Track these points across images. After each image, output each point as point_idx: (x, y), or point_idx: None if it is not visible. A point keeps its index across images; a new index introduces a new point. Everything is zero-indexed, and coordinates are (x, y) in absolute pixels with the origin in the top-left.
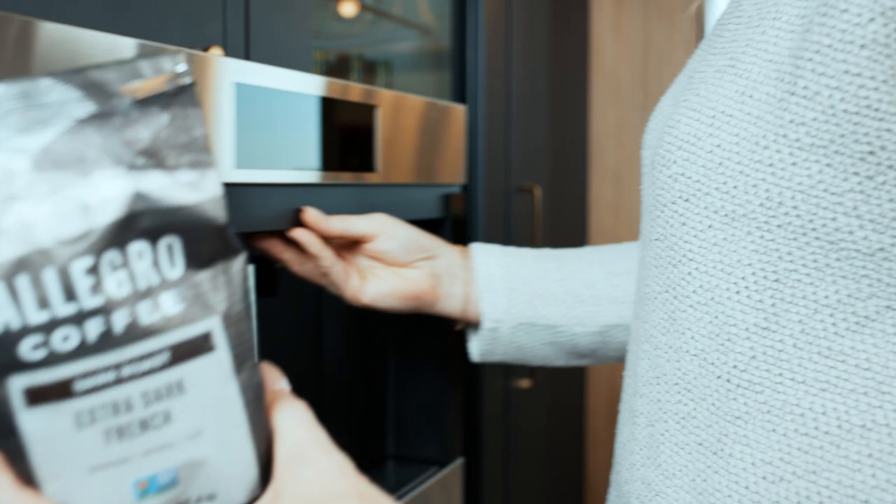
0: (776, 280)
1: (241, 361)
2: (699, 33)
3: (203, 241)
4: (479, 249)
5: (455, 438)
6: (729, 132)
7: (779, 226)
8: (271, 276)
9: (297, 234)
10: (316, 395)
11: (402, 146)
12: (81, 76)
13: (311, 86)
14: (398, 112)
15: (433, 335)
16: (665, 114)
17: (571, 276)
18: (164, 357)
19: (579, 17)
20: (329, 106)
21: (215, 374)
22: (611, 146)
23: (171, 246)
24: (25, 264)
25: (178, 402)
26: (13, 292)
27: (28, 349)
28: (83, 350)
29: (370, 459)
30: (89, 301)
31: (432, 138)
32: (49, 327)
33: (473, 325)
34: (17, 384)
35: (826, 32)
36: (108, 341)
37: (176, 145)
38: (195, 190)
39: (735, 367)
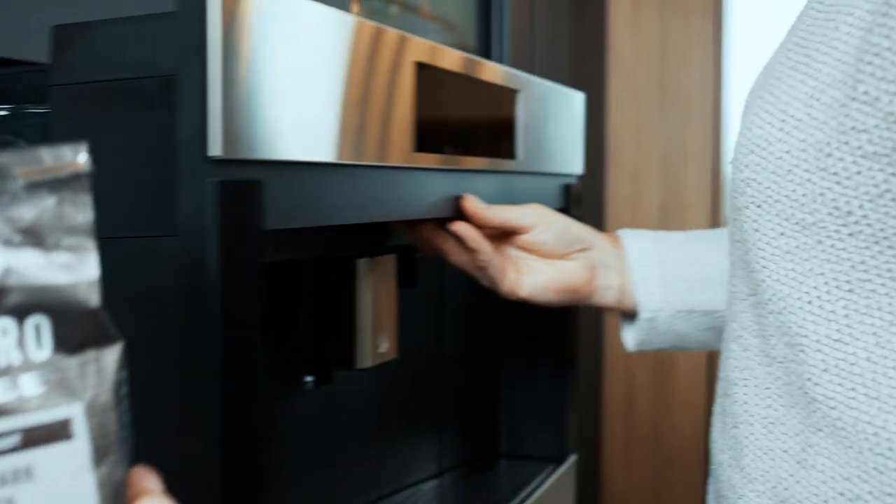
0: (849, 290)
1: (101, 454)
2: (716, 31)
3: (74, 325)
4: (629, 237)
5: (569, 435)
6: (797, 138)
7: (850, 234)
8: (411, 266)
9: (459, 227)
10: (436, 391)
11: (534, 133)
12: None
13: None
14: (532, 97)
15: (546, 330)
16: (747, 105)
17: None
18: (14, 439)
19: (597, 16)
20: (478, 89)
21: (70, 465)
22: (628, 144)
23: (40, 326)
24: None
25: (24, 489)
26: None
27: None
28: None
29: (484, 459)
30: None
31: (555, 125)
32: None
33: (629, 315)
34: None
35: (886, 34)
36: None
37: (58, 227)
38: (70, 272)
39: (809, 379)
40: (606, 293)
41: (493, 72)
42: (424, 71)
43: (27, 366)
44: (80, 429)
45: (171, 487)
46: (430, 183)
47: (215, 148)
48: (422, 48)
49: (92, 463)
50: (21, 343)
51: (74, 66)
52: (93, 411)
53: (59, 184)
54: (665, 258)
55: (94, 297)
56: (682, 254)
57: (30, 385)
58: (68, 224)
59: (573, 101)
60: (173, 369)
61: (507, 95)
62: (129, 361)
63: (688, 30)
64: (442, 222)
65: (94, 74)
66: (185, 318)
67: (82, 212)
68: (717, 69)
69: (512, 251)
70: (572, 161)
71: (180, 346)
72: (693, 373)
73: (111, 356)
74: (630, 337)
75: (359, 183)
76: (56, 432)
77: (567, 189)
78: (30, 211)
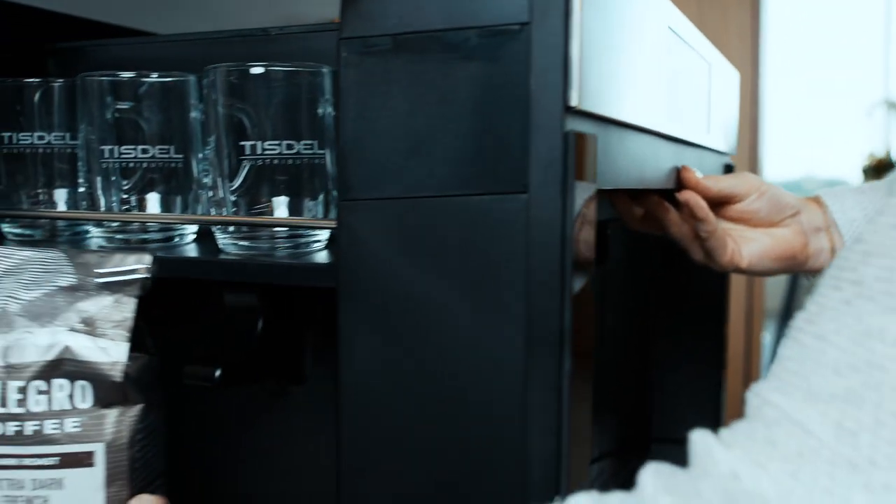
0: None
1: (112, 479)
2: (754, 23)
3: (106, 390)
4: (830, 197)
5: (720, 419)
6: None
7: None
8: (602, 243)
9: (688, 196)
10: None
11: (714, 108)
12: (79, 255)
13: None
14: (715, 72)
15: (696, 311)
16: None
17: None
18: (54, 459)
19: None
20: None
21: (89, 484)
22: None
23: (84, 387)
24: None
25: (56, 493)
26: None
27: None
28: (2, 440)
29: (636, 444)
30: (15, 409)
31: (721, 101)
32: None
33: None
34: None
35: None
36: (20, 439)
37: (106, 321)
38: (106, 354)
39: None
40: (821, 256)
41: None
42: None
43: (72, 413)
44: (100, 460)
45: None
46: (664, 153)
47: (574, 98)
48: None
49: (104, 484)
50: (71, 397)
51: (372, 18)
52: (110, 449)
53: (118, 285)
54: (869, 211)
55: (119, 374)
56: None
57: (71, 425)
58: (113, 320)
59: (733, 79)
60: (515, 328)
61: (704, 67)
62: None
63: (726, 21)
64: (661, 194)
65: (398, 27)
66: (534, 278)
67: (126, 312)
68: (755, 60)
69: (723, 223)
70: (730, 139)
71: (522, 308)
72: None
73: (131, 413)
74: None
75: (644, 148)
76: (83, 460)
77: (728, 168)
78: (93, 306)
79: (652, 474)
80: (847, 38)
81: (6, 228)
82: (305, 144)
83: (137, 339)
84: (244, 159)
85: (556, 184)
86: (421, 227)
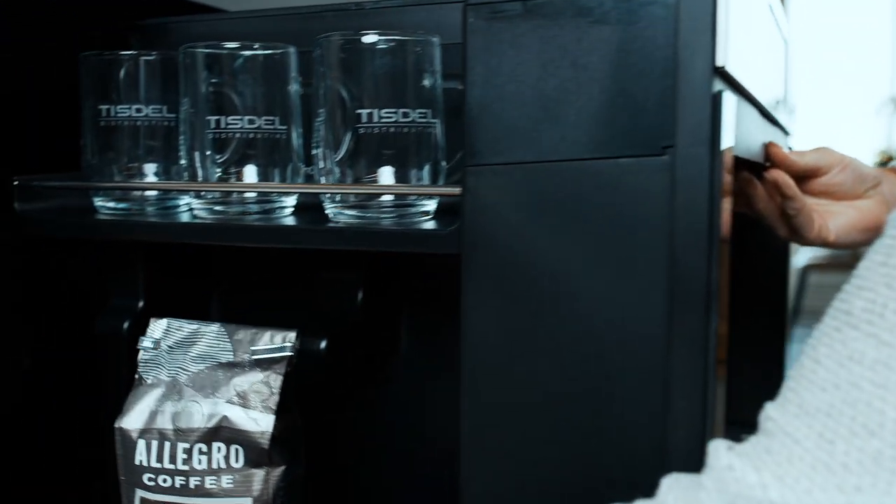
0: None
1: None
2: None
3: (255, 454)
4: None
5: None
6: None
7: None
8: None
9: (777, 175)
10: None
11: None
12: (235, 332)
13: None
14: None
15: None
16: None
17: None
18: None
19: None
20: None
21: None
22: None
23: (238, 450)
24: (153, 434)
25: None
26: (147, 446)
27: (145, 478)
28: (171, 490)
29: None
30: (181, 466)
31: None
32: (157, 471)
33: None
34: (139, 494)
35: None
36: (184, 491)
37: (256, 395)
38: (256, 424)
39: None
40: None
41: None
42: None
43: (228, 471)
44: None
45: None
46: (759, 126)
47: (720, 59)
48: None
49: None
50: (227, 458)
51: None
52: (257, 503)
53: (268, 363)
54: None
55: (266, 442)
56: None
57: (226, 482)
58: (263, 396)
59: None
60: (656, 290)
61: (782, 46)
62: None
63: None
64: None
65: None
66: (679, 240)
67: (273, 388)
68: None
69: (807, 198)
70: (791, 119)
71: (663, 270)
72: None
73: (275, 473)
74: None
75: (749, 118)
76: None
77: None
78: (246, 381)
79: (669, 480)
80: (856, 37)
81: (98, 203)
82: (420, 113)
83: (285, 405)
84: (355, 128)
85: (703, 145)
86: (552, 192)
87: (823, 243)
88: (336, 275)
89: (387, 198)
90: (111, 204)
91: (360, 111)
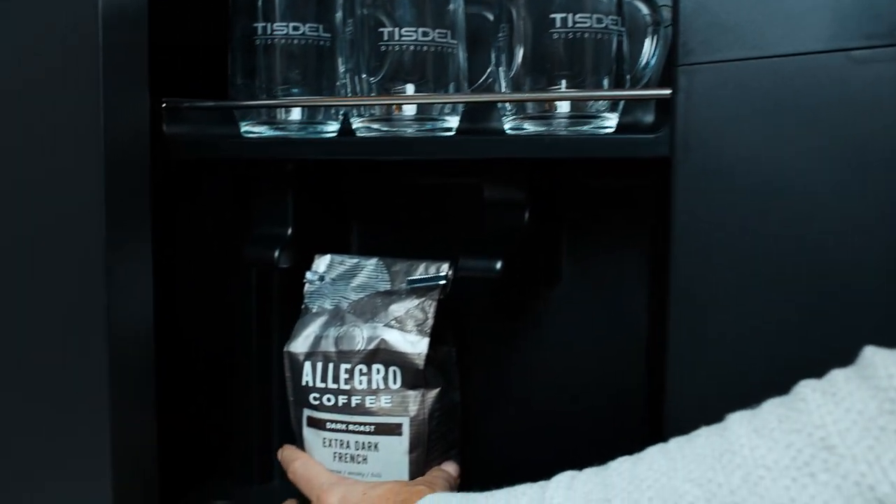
0: None
1: (414, 447)
2: None
3: (412, 375)
4: None
5: None
6: None
7: None
8: None
9: None
10: None
11: None
12: (393, 264)
13: None
14: None
15: None
16: None
17: None
18: (371, 427)
19: None
20: None
21: (397, 448)
22: None
23: (395, 372)
24: (318, 356)
25: (372, 454)
26: (312, 368)
27: (311, 398)
28: (334, 408)
29: None
30: (344, 386)
31: None
32: (322, 391)
33: None
34: (305, 413)
35: None
36: (347, 409)
37: (413, 318)
38: (412, 346)
39: None
40: None
41: None
42: None
43: (386, 391)
44: (405, 431)
45: None
46: None
47: None
48: None
49: (408, 450)
50: (385, 379)
51: None
52: (413, 423)
53: (423, 290)
54: None
55: (422, 363)
56: None
57: (385, 401)
58: (418, 320)
59: None
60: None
61: None
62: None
63: None
64: None
65: None
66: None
67: (427, 313)
68: None
69: None
70: None
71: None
72: None
73: (430, 395)
74: None
75: None
76: (393, 429)
77: None
78: (402, 307)
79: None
80: None
81: (245, 128)
82: (612, 19)
83: (439, 333)
84: (538, 37)
85: None
86: (772, 90)
87: None
88: (499, 196)
89: (563, 110)
90: (258, 129)
91: (559, 15)
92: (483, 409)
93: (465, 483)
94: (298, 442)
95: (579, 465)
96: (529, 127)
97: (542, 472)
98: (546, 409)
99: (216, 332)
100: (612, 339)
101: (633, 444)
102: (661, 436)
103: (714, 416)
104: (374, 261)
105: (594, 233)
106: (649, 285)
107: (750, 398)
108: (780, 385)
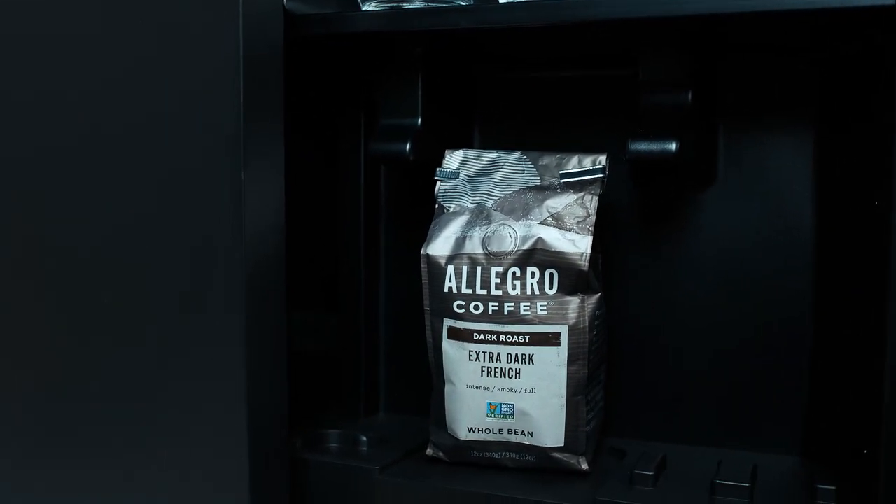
0: None
1: (574, 359)
2: None
3: (572, 278)
4: None
5: None
6: None
7: None
8: None
9: None
10: None
11: None
12: (539, 158)
13: None
14: None
15: None
16: None
17: None
18: (526, 337)
19: None
20: None
21: (554, 360)
22: None
23: (553, 275)
24: (462, 259)
25: (526, 367)
26: (456, 273)
27: (455, 306)
28: (482, 317)
29: None
30: (494, 291)
31: None
32: (468, 298)
33: None
34: (446, 324)
35: None
36: (497, 317)
37: (573, 215)
38: (574, 245)
39: None
40: None
41: None
42: None
43: (541, 297)
44: (564, 341)
45: None
46: None
47: None
48: None
49: (567, 363)
50: (541, 283)
51: None
52: (573, 332)
53: (579, 185)
54: None
55: (585, 264)
56: None
57: (541, 308)
58: (578, 216)
59: None
60: None
61: None
62: None
63: None
64: None
65: None
66: None
67: (588, 209)
68: None
69: None
70: None
71: None
72: None
73: (591, 301)
74: None
75: None
76: (549, 339)
77: None
78: (559, 202)
79: None
80: None
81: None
82: None
83: (595, 240)
84: None
85: None
86: None
87: None
88: (661, 75)
89: None
90: (380, 7)
91: None
92: (627, 324)
93: (609, 406)
94: (434, 356)
95: (732, 386)
96: None
97: (696, 400)
98: (696, 328)
99: (326, 240)
100: (772, 249)
101: (795, 362)
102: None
103: None
104: (516, 154)
105: (752, 128)
106: (815, 187)
107: None
108: None
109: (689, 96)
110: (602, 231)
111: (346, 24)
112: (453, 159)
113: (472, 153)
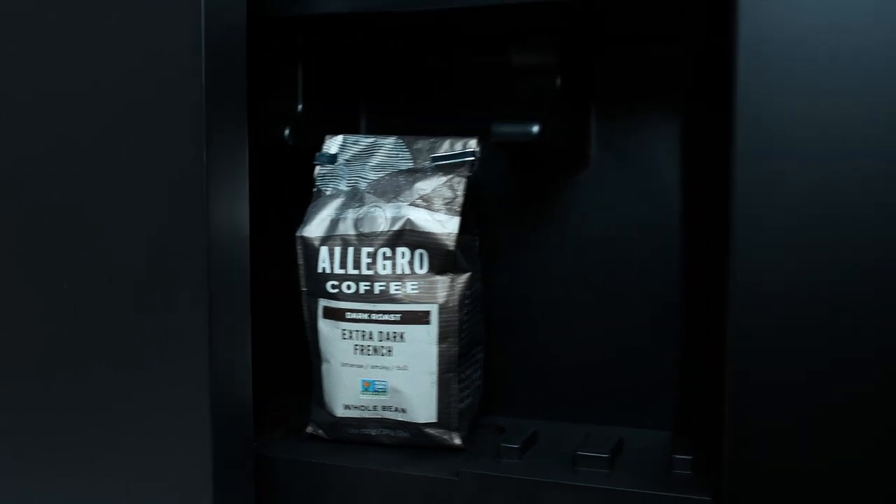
0: None
1: (443, 337)
2: None
3: (440, 258)
4: None
5: None
6: None
7: None
8: None
9: None
10: None
11: None
12: (414, 142)
13: None
14: None
15: None
16: None
17: None
18: (397, 316)
19: None
20: None
21: (425, 338)
22: None
23: (422, 255)
24: (335, 240)
25: (398, 345)
26: (329, 253)
27: (328, 286)
28: (355, 296)
29: None
30: (366, 271)
31: None
32: (341, 278)
33: None
34: (321, 304)
35: None
36: (369, 296)
37: (441, 196)
38: (441, 226)
39: None
40: None
41: None
42: None
43: (412, 277)
44: (434, 319)
45: None
46: None
47: None
48: None
49: (437, 340)
50: (411, 263)
51: None
52: (443, 310)
53: (449, 168)
54: None
55: (452, 244)
56: None
57: (411, 287)
58: (446, 197)
59: None
60: None
61: None
62: None
63: None
64: None
65: None
66: None
67: (456, 190)
68: None
69: None
70: None
71: None
72: None
73: (461, 280)
74: None
75: None
76: (420, 318)
77: None
78: (429, 184)
79: None
80: None
81: None
82: None
83: (465, 222)
84: None
85: None
86: None
87: None
88: (528, 60)
89: None
90: None
91: None
92: (504, 304)
93: (487, 384)
94: (311, 335)
95: (607, 365)
96: None
97: (573, 379)
98: (572, 304)
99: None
100: (643, 231)
101: (666, 334)
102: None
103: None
104: (392, 139)
105: (625, 114)
106: (683, 173)
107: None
108: None
109: (558, 82)
110: (480, 213)
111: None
112: (332, 144)
113: (351, 138)
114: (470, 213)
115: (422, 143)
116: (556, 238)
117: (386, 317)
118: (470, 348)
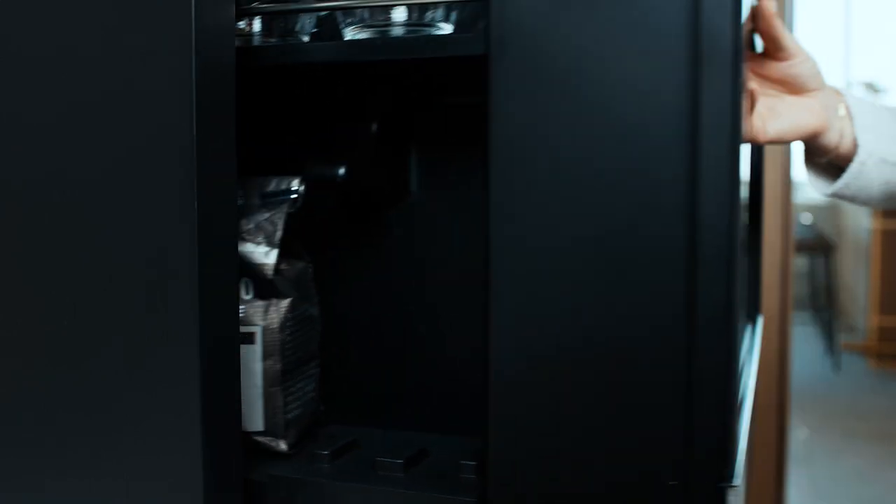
0: None
1: (267, 354)
2: None
3: (262, 286)
4: (850, 99)
5: None
6: None
7: None
8: None
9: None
10: None
11: None
12: (247, 180)
13: None
14: None
15: None
16: None
17: None
18: None
19: None
20: None
21: (251, 356)
22: None
23: (248, 283)
24: None
25: None
26: None
27: None
28: None
29: None
30: None
31: None
32: None
33: (842, 160)
34: None
35: None
36: None
37: (262, 232)
38: (264, 257)
39: None
40: (832, 135)
41: None
42: None
43: (241, 302)
44: (258, 339)
45: None
46: None
47: None
48: None
49: (261, 358)
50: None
51: None
52: (265, 332)
53: (273, 203)
54: (877, 107)
55: (271, 272)
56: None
57: (240, 311)
58: (267, 232)
59: None
60: (676, 47)
61: None
62: None
63: None
64: None
65: None
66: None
67: (276, 225)
68: None
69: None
70: None
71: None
72: None
73: (283, 304)
74: (836, 183)
75: None
76: (247, 337)
77: None
78: (253, 220)
79: None
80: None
81: None
82: None
83: (295, 250)
84: None
85: None
86: None
87: (763, 138)
88: (353, 108)
89: (399, 18)
90: None
91: None
92: (340, 324)
93: (325, 398)
94: None
95: (441, 375)
96: (367, 34)
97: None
98: (402, 323)
99: None
100: (458, 257)
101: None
102: None
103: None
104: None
105: (444, 152)
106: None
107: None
108: None
109: (374, 127)
110: (313, 243)
111: None
112: None
113: None
114: (295, 243)
115: (253, 181)
116: (384, 264)
117: None
118: (297, 365)
